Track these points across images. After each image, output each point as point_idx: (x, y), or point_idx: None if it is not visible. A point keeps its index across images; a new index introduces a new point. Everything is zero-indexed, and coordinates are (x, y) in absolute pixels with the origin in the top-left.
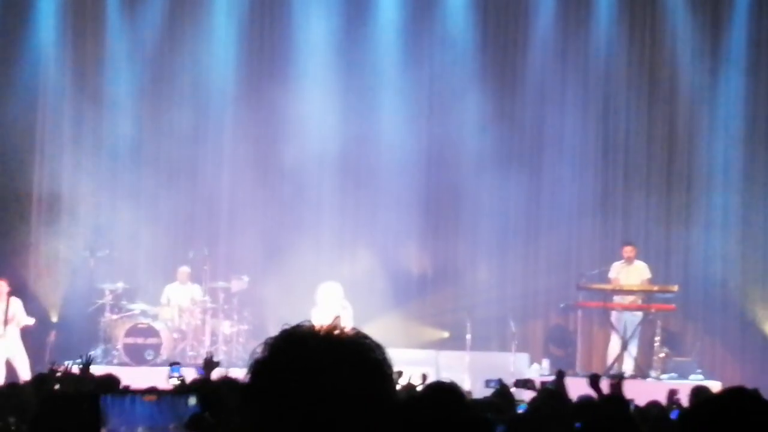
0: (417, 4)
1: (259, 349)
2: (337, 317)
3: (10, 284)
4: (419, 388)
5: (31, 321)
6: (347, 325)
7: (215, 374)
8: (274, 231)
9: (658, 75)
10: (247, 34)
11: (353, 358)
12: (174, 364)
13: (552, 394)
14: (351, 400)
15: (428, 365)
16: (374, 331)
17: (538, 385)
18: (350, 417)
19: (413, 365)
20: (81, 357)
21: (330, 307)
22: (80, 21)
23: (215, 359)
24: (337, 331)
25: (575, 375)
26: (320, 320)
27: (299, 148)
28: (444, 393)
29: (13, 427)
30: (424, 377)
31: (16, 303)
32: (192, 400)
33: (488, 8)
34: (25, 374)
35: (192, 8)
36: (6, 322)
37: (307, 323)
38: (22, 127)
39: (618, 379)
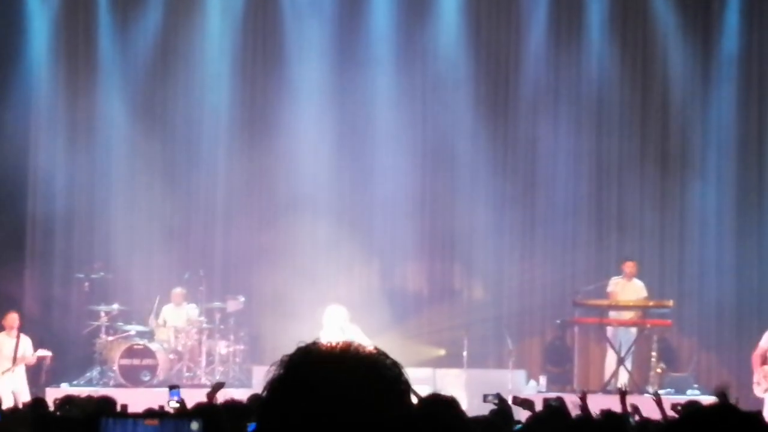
0: (409, 23)
1: (275, 367)
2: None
3: (21, 318)
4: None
5: (33, 358)
6: (361, 337)
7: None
8: (269, 251)
9: (650, 89)
10: (240, 62)
11: (369, 374)
12: (173, 388)
13: (554, 410)
14: (367, 416)
15: (425, 383)
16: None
17: (539, 404)
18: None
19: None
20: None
21: (334, 330)
22: (72, 41)
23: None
24: (352, 348)
25: (573, 391)
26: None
27: (295, 169)
28: (442, 406)
29: None
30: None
31: (26, 341)
32: (195, 425)
33: (480, 25)
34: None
35: (185, 33)
36: (15, 360)
37: (320, 341)
38: (14, 148)
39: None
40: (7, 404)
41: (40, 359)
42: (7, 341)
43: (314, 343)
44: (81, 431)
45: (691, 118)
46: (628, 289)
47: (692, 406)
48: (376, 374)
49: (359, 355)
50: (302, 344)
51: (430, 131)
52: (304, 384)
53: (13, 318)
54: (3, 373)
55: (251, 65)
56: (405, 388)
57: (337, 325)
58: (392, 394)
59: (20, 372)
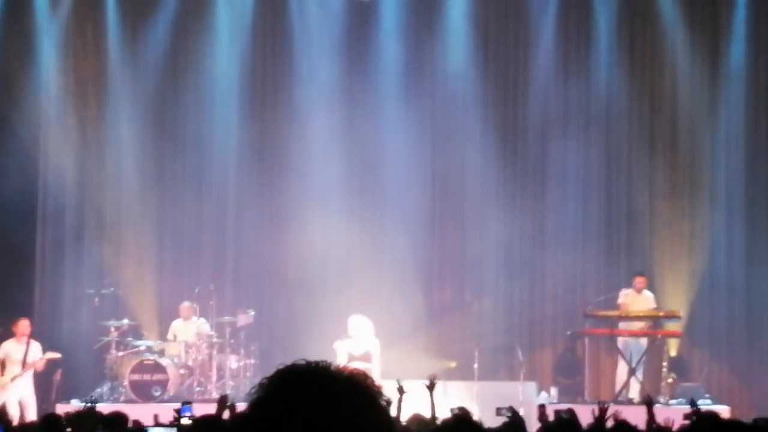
0: (418, 39)
1: (255, 390)
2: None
3: (32, 324)
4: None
5: (42, 362)
6: (375, 356)
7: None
8: (279, 265)
9: (659, 103)
10: (250, 78)
11: (348, 396)
12: (185, 404)
13: (565, 422)
14: None
15: (436, 396)
16: (382, 363)
17: (551, 415)
18: None
19: (422, 396)
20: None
21: (362, 340)
22: (81, 58)
23: (226, 395)
24: (332, 368)
25: (584, 402)
26: (350, 351)
27: (304, 184)
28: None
29: None
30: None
31: (35, 346)
32: None
33: (489, 42)
34: (31, 417)
35: (194, 50)
36: (24, 365)
37: (302, 361)
38: (25, 163)
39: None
40: (15, 413)
41: (50, 361)
42: (17, 347)
43: (293, 365)
44: None
45: (700, 129)
46: (638, 300)
47: (706, 416)
48: (355, 395)
49: (338, 376)
50: (281, 366)
51: (440, 149)
52: (283, 406)
53: (24, 324)
54: (13, 379)
55: (261, 82)
56: (385, 408)
57: (365, 336)
58: (372, 413)
59: (28, 380)
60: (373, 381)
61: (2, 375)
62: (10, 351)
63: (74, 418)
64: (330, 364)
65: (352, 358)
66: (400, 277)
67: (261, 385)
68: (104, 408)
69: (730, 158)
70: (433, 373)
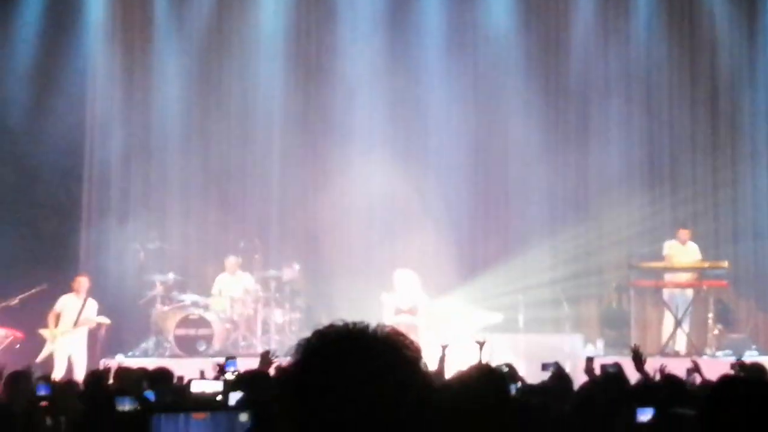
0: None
1: (293, 352)
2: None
3: (91, 281)
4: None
5: (93, 322)
6: (421, 310)
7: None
8: (324, 219)
9: (698, 53)
10: (295, 26)
11: (384, 356)
12: (230, 359)
13: (612, 377)
14: (382, 400)
15: (484, 351)
16: (428, 316)
17: (597, 370)
18: (382, 415)
19: (468, 350)
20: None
21: (408, 294)
22: (128, 9)
23: (268, 350)
24: (370, 329)
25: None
26: (397, 304)
27: (348, 139)
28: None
29: (63, 426)
30: (481, 345)
31: (92, 305)
32: (243, 417)
33: (530, 3)
34: (80, 375)
35: (240, 3)
36: (77, 322)
37: (339, 323)
38: (71, 118)
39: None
40: (62, 367)
41: (99, 325)
42: (74, 303)
43: (331, 326)
44: (134, 425)
45: (739, 85)
46: (682, 252)
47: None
48: (391, 355)
49: (375, 336)
50: (319, 327)
51: (483, 105)
52: (321, 368)
53: (80, 281)
54: (63, 333)
55: (305, 36)
56: (422, 367)
57: (411, 290)
58: (408, 373)
59: (82, 335)
60: (411, 341)
61: (55, 327)
62: (66, 305)
63: (119, 374)
64: (367, 325)
65: (398, 311)
66: (446, 231)
67: (299, 346)
68: (149, 363)
69: None
70: (484, 336)
